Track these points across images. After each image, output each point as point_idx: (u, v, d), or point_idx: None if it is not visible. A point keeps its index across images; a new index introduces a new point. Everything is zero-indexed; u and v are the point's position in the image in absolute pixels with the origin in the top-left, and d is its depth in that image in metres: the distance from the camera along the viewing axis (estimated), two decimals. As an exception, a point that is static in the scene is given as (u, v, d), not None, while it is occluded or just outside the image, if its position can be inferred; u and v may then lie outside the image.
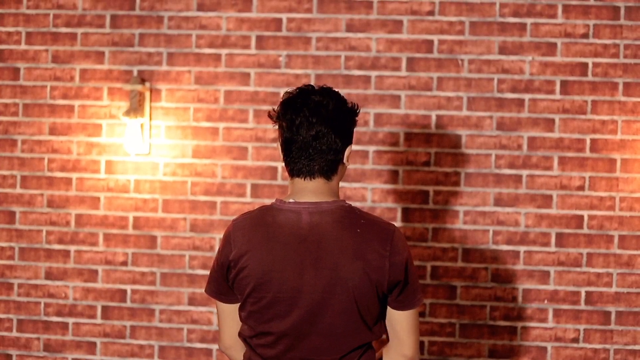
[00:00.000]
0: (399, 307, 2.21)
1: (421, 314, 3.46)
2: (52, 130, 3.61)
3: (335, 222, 2.14)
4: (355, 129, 3.44)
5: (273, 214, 2.17)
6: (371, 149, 3.50)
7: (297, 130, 2.16)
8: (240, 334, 2.27)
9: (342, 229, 2.14)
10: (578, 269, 3.42)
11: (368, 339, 2.21)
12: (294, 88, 2.25)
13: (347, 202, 2.23)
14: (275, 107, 2.27)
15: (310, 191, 2.18)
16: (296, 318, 2.14)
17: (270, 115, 2.26)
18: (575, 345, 3.42)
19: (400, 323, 2.22)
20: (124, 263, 3.57)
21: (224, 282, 2.23)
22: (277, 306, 2.15)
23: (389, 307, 2.22)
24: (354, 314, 2.15)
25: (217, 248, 3.49)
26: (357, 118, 2.25)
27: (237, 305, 2.27)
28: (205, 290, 2.31)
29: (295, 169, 2.19)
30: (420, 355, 3.45)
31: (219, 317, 2.33)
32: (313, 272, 2.12)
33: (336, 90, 2.27)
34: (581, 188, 3.42)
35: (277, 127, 2.24)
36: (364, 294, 2.14)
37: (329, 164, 2.19)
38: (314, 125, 2.15)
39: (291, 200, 2.18)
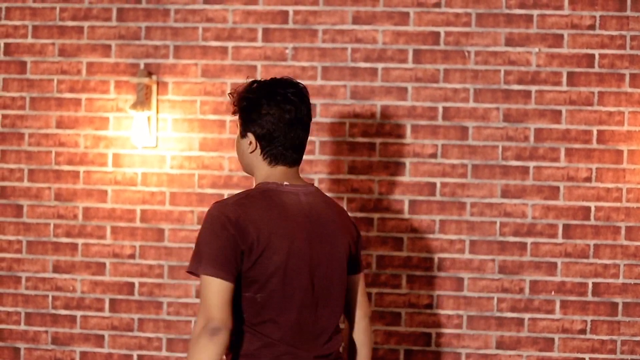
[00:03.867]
0: (357, 269, 2.47)
1: (428, 306, 3.47)
2: (59, 124, 3.62)
3: (322, 202, 2.35)
4: (362, 121, 3.48)
5: (278, 196, 2.27)
6: (378, 140, 3.50)
7: (291, 120, 2.29)
8: (247, 322, 2.25)
9: (328, 208, 2.36)
10: (585, 261, 3.42)
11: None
12: (250, 80, 2.37)
13: None
14: (235, 94, 2.35)
15: (292, 176, 2.33)
16: (312, 292, 2.27)
17: (249, 102, 2.31)
18: (582, 336, 3.42)
19: (360, 285, 2.48)
20: (132, 256, 3.58)
21: (235, 262, 2.18)
22: (296, 281, 2.24)
23: (349, 276, 2.44)
24: (344, 285, 2.40)
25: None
26: None
27: (232, 285, 2.19)
28: (202, 272, 2.16)
29: (280, 156, 2.31)
30: (428, 347, 3.47)
31: (215, 297, 2.14)
32: (319, 247, 2.29)
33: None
34: (588, 179, 3.43)
35: (236, 116, 2.35)
36: (348, 266, 2.40)
37: (303, 152, 2.38)
38: (304, 116, 2.33)
39: (286, 183, 2.30)
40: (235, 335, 2.25)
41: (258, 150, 2.32)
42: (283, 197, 2.27)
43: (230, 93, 2.39)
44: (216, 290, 2.15)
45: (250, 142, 2.32)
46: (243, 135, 2.34)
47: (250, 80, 2.38)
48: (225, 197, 3.53)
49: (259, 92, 2.30)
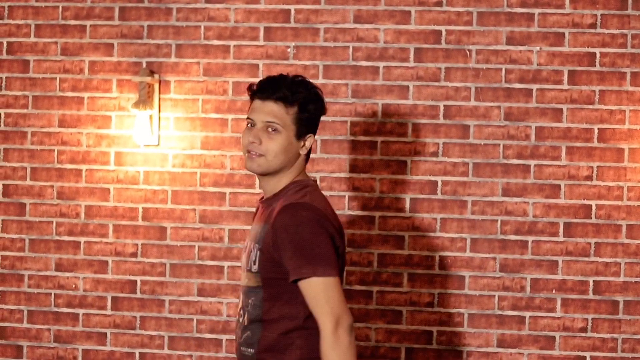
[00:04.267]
0: None
1: (430, 304, 3.48)
2: (62, 123, 3.63)
3: None
4: (363, 120, 3.48)
5: (320, 192, 2.35)
6: (379, 139, 3.51)
7: None
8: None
9: None
10: (586, 259, 3.43)
11: None
12: (295, 77, 2.36)
13: None
14: (294, 94, 2.30)
15: None
16: None
17: (319, 106, 2.36)
18: (583, 334, 3.43)
19: None
20: (134, 254, 3.59)
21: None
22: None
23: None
24: None
25: (226, 239, 3.52)
26: None
27: None
28: (325, 274, 2.16)
29: None
30: (429, 345, 3.48)
31: (340, 295, 2.17)
32: None
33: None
34: (589, 178, 3.43)
35: (289, 115, 2.30)
36: None
37: None
38: None
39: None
40: (301, 336, 2.22)
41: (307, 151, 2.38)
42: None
43: (280, 92, 2.31)
44: (339, 288, 2.16)
45: (305, 143, 2.33)
46: (300, 136, 2.31)
47: (296, 77, 2.35)
48: (228, 195, 3.55)
49: (319, 96, 2.35)
